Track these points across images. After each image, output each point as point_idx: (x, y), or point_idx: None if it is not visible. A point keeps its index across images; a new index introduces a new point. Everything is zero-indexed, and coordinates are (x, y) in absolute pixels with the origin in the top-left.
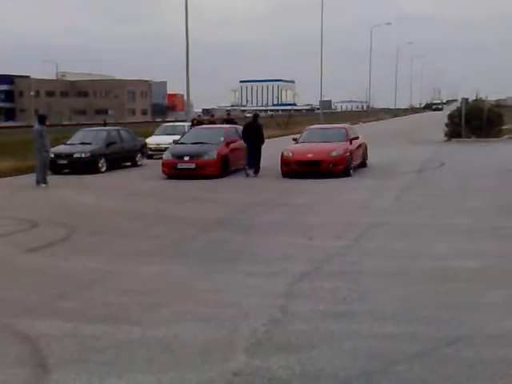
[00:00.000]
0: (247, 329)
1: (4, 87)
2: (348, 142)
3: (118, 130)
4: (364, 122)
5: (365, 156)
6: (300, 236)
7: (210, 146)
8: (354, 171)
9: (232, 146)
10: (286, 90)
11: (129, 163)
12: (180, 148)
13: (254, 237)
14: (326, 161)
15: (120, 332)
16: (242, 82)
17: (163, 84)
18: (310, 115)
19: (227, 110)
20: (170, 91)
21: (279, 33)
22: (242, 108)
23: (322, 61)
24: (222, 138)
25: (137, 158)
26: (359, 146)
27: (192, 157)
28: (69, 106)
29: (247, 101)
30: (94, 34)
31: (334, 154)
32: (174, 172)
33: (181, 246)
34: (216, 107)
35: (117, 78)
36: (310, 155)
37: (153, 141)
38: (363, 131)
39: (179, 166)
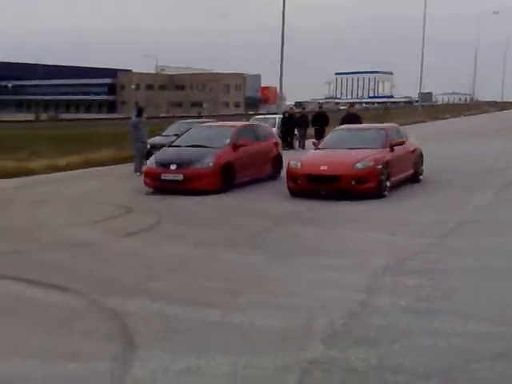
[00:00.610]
0: (324, 320)
1: (107, 81)
2: (387, 149)
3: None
4: (465, 116)
5: (417, 167)
6: None
7: (209, 151)
8: (394, 190)
9: (243, 150)
10: (383, 82)
11: None
12: (168, 153)
13: None
14: (347, 175)
15: (201, 315)
16: (337, 74)
17: (257, 77)
18: (408, 108)
19: (319, 103)
20: (264, 84)
21: (378, 20)
22: (337, 101)
23: (424, 50)
24: (229, 140)
25: None
26: (407, 153)
27: (180, 165)
28: (166, 98)
29: (341, 93)
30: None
31: (358, 165)
32: (157, 184)
33: (259, 236)
34: (309, 100)
35: (213, 71)
36: (323, 167)
37: None
38: (463, 124)
39: (163, 176)
